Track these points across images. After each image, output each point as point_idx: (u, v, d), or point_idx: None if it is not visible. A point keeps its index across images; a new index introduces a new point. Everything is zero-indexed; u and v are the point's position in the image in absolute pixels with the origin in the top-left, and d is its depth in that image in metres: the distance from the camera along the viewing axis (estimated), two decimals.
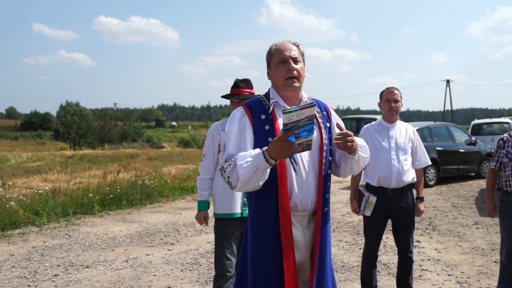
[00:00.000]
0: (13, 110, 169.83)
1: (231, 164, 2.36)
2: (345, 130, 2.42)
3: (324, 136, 2.56)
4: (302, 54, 2.60)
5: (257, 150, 2.33)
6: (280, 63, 2.51)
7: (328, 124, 2.64)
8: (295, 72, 2.50)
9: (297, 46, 2.58)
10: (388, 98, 4.12)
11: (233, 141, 2.48)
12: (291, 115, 2.13)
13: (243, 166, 2.28)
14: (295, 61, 2.52)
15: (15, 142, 58.21)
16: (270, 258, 2.43)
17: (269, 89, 2.62)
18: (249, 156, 2.31)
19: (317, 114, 2.59)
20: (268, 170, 2.35)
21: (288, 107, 2.34)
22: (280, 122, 2.48)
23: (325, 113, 2.66)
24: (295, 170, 2.39)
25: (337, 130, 2.53)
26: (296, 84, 2.51)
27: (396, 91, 4.14)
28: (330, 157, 2.60)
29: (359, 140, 2.56)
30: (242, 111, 2.53)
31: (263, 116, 2.49)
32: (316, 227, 2.52)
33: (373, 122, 4.31)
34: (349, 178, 7.12)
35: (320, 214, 2.51)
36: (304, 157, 2.48)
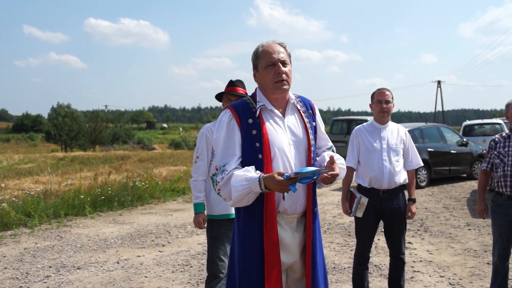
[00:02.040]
0: (4, 112, 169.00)
1: (223, 178, 2.38)
2: (334, 171, 2.39)
3: (311, 136, 2.56)
4: (289, 55, 2.57)
5: (253, 174, 2.31)
6: (269, 66, 2.48)
7: (314, 123, 2.63)
8: (284, 75, 2.48)
9: (284, 47, 2.55)
10: (380, 99, 4.12)
11: (222, 146, 2.47)
12: (301, 174, 2.21)
13: (237, 189, 2.31)
14: (284, 63, 2.50)
15: (7, 144, 57.76)
16: (256, 260, 2.43)
17: (255, 91, 2.60)
18: (244, 179, 2.30)
19: (303, 114, 2.60)
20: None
21: (304, 170, 2.27)
22: (268, 126, 2.47)
23: (310, 112, 2.65)
24: (283, 198, 2.44)
25: (326, 158, 2.57)
26: (286, 87, 2.50)
27: (387, 92, 4.14)
28: (317, 158, 2.60)
29: (340, 162, 2.56)
30: (230, 115, 2.50)
31: (250, 121, 2.47)
32: (307, 228, 2.53)
33: (364, 123, 4.32)
34: None
35: (311, 215, 2.52)
36: (291, 160, 2.47)
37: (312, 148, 2.55)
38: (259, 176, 2.28)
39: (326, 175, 2.39)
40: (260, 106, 2.50)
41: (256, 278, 2.42)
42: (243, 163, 2.45)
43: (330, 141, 2.79)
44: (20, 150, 41.62)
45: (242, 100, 2.58)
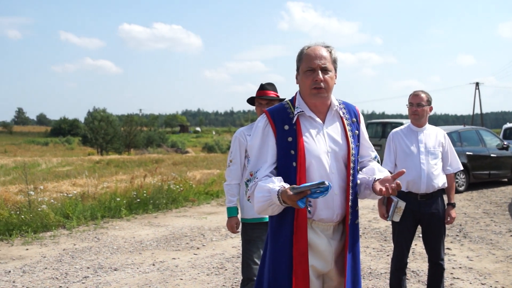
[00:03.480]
0: (43, 116, 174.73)
1: (252, 187, 2.38)
2: (399, 182, 2.30)
3: (352, 145, 2.46)
4: (334, 61, 2.47)
5: (276, 186, 2.25)
6: (308, 71, 2.40)
7: (357, 132, 2.54)
8: (322, 83, 2.39)
9: (330, 52, 2.45)
10: (411, 102, 4.07)
11: (256, 152, 2.44)
12: (299, 190, 2.13)
13: (259, 199, 2.29)
14: (325, 70, 2.40)
15: (46, 147, 59.51)
16: (285, 269, 2.39)
17: (296, 94, 2.54)
18: (266, 190, 2.27)
19: (345, 121, 2.50)
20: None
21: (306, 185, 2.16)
22: (304, 134, 2.41)
23: (354, 119, 2.55)
24: (309, 212, 2.38)
25: (376, 172, 2.49)
26: (323, 94, 2.41)
27: (422, 95, 4.06)
28: (358, 167, 2.53)
29: (384, 175, 2.46)
30: (266, 121, 2.46)
31: (286, 127, 2.41)
32: (345, 240, 2.46)
33: (401, 127, 4.25)
34: None
35: (348, 227, 2.44)
36: (328, 169, 2.40)
37: (353, 158, 2.45)
38: (279, 189, 2.22)
39: (382, 188, 2.31)
40: (298, 112, 2.44)
41: (286, 286, 2.37)
42: (279, 170, 2.41)
43: (374, 150, 2.69)
44: (58, 154, 42.75)
45: (280, 105, 2.52)
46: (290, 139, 2.39)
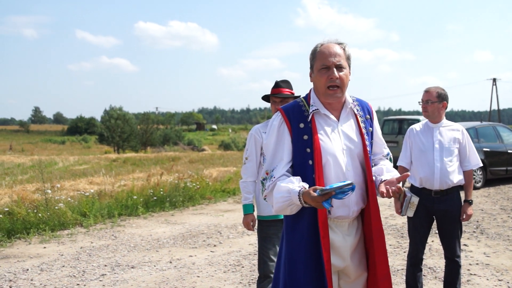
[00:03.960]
0: (60, 115, 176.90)
1: (269, 186, 2.38)
2: (399, 186, 2.33)
3: (367, 143, 2.48)
4: (348, 57, 2.46)
5: (296, 186, 2.26)
6: (323, 69, 2.40)
7: (370, 129, 2.55)
8: (337, 81, 2.38)
9: (344, 49, 2.45)
10: (422, 99, 4.08)
11: (272, 151, 2.46)
12: (326, 191, 2.14)
13: (278, 200, 2.30)
14: (339, 68, 2.39)
15: (63, 146, 60.28)
16: (301, 265, 2.39)
17: (310, 91, 2.54)
18: (286, 191, 2.27)
19: (359, 118, 2.51)
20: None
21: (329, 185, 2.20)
22: (320, 132, 2.41)
23: (368, 116, 2.55)
24: (329, 212, 2.39)
25: (384, 172, 2.49)
26: (338, 94, 2.42)
27: (432, 91, 4.03)
28: (373, 165, 2.55)
29: (393, 175, 2.47)
30: (281, 119, 2.47)
31: (301, 125, 2.41)
32: (371, 236, 2.46)
33: (419, 123, 4.24)
34: None
35: (380, 223, 2.46)
36: (344, 167, 2.41)
37: (369, 155, 2.47)
38: (299, 190, 2.24)
39: (383, 190, 2.33)
40: (313, 110, 2.44)
41: (302, 284, 2.38)
42: (294, 168, 2.42)
43: (386, 147, 2.70)
44: (75, 152, 43.20)
45: (295, 102, 2.53)
46: (305, 137, 2.40)
